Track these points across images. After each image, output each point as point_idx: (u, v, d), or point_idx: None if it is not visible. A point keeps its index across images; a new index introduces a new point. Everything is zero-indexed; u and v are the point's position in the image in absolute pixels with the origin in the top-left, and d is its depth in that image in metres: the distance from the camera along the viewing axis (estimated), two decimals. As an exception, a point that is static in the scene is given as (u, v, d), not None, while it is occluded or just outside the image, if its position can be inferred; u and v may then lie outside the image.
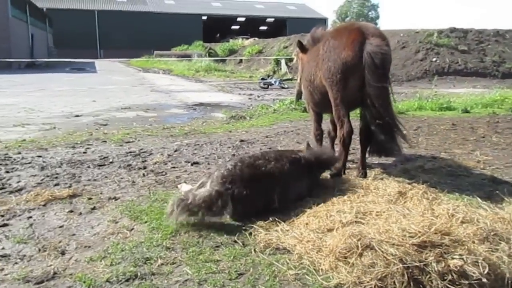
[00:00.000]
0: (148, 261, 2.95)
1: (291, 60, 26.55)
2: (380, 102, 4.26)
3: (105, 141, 7.35)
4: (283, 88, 18.58)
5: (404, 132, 4.61)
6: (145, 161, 5.98)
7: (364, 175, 4.87)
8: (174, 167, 5.66)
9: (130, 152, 6.52)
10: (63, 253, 3.13)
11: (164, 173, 5.33)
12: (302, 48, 5.77)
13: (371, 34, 4.36)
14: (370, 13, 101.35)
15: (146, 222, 3.66)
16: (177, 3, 75.27)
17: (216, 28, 75.56)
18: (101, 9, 67.44)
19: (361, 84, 4.37)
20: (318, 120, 5.69)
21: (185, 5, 74.53)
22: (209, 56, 37.47)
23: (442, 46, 23.91)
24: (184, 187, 4.27)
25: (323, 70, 4.63)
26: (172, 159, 6.09)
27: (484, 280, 2.43)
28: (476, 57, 23.95)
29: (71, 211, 3.99)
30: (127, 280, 2.72)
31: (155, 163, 5.85)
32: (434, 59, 22.99)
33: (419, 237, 2.70)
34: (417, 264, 2.53)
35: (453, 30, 25.67)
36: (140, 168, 5.57)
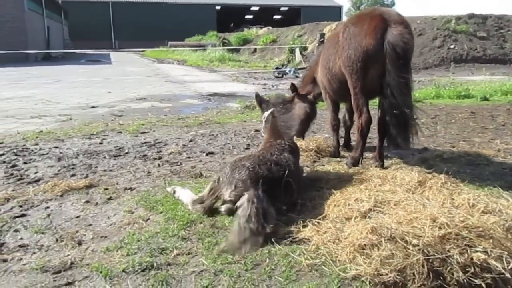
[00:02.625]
0: (164, 252, 2.95)
1: (305, 49, 26.35)
2: (399, 93, 4.13)
3: (120, 132, 7.38)
4: (297, 77, 18.39)
5: (419, 124, 4.50)
6: (160, 151, 5.99)
7: (382, 165, 4.78)
8: (189, 157, 5.65)
9: (145, 142, 6.53)
10: (80, 243, 3.14)
11: (179, 163, 5.33)
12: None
13: (394, 21, 4.21)
14: (385, 0, 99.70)
15: (161, 212, 3.66)
16: (190, -7, 75.10)
17: (230, 18, 75.29)
18: (115, 1, 67.64)
19: (382, 73, 4.25)
20: (335, 110, 5.60)
21: (199, -5, 74.38)
22: (223, 46, 37.34)
23: (460, 32, 23.43)
24: (181, 194, 3.92)
25: (343, 58, 4.50)
26: (187, 149, 6.08)
27: (508, 275, 2.36)
28: (496, 43, 23.43)
29: (88, 202, 4.01)
30: (143, 270, 2.71)
31: (170, 153, 5.85)
32: (452, 46, 22.54)
33: (445, 228, 2.63)
34: (439, 255, 2.46)
35: (471, 16, 25.12)
36: (155, 159, 5.58)
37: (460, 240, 2.50)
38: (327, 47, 5.21)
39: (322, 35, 10.05)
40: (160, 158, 5.62)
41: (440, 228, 2.57)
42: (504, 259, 2.41)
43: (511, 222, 2.97)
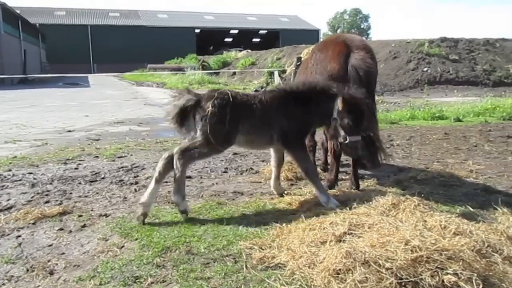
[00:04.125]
0: (138, 280, 2.90)
1: (284, 71, 26.68)
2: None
3: (97, 157, 7.30)
4: (276, 99, 18.58)
5: (385, 145, 4.68)
6: (137, 176, 5.94)
7: (357, 187, 4.85)
8: (166, 182, 5.59)
9: (122, 167, 6.47)
10: (51, 273, 3.07)
11: (156, 188, 5.28)
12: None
13: (356, 47, 4.43)
14: (362, 24, 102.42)
15: (136, 239, 3.61)
16: (170, 17, 75.69)
17: (209, 41, 75.92)
18: (94, 24, 67.62)
19: None
20: (311, 132, 5.69)
21: (178, 18, 74.98)
22: (203, 68, 37.56)
23: (433, 55, 24.12)
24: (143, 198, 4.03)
25: None
26: (165, 174, 6.03)
27: (478, 297, 2.41)
28: (467, 66, 24.16)
29: (61, 229, 3.93)
30: (116, 300, 2.66)
31: (148, 178, 5.80)
32: (425, 69, 23.17)
33: (417, 251, 2.67)
34: (411, 278, 2.50)
35: (443, 39, 25.94)
36: (132, 184, 5.53)
37: (432, 263, 2.54)
38: (299, 72, 5.35)
39: (299, 59, 10.18)
40: (137, 183, 5.57)
41: (412, 251, 2.61)
42: (473, 281, 2.45)
43: (481, 244, 3.05)
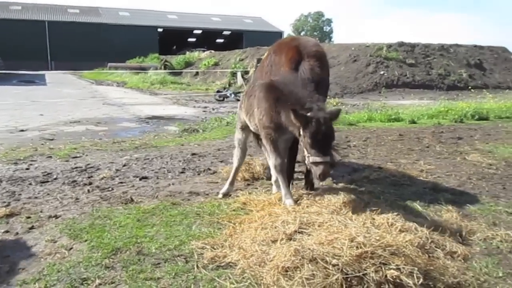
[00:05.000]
0: (85, 282, 2.84)
1: (247, 72, 26.76)
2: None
3: (50, 157, 7.07)
4: (238, 100, 18.60)
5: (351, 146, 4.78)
6: (91, 176, 5.80)
7: (312, 186, 4.93)
8: (121, 183, 5.52)
9: (76, 167, 6.30)
10: (-7, 277, 2.95)
11: (110, 189, 5.18)
12: None
13: (307, 54, 4.48)
14: (325, 27, 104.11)
15: (86, 240, 3.53)
16: (132, 15, 74.32)
17: (173, 41, 75.12)
18: (52, 20, 65.43)
19: None
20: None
21: (140, 17, 73.71)
22: (165, 68, 37.09)
23: (391, 59, 24.86)
24: None
25: None
26: (120, 174, 5.94)
27: (419, 290, 2.51)
28: (423, 70, 25.06)
29: (7, 231, 3.79)
30: (61, 303, 2.59)
31: (102, 178, 5.68)
32: (382, 72, 23.83)
33: (361, 247, 2.75)
34: (356, 274, 2.57)
35: (401, 44, 26.78)
36: (85, 184, 5.40)
37: (376, 259, 2.63)
38: (257, 71, 5.42)
39: (259, 60, 10.30)
40: (90, 183, 5.44)
41: (357, 247, 2.69)
42: (414, 275, 2.55)
43: (425, 240, 3.18)
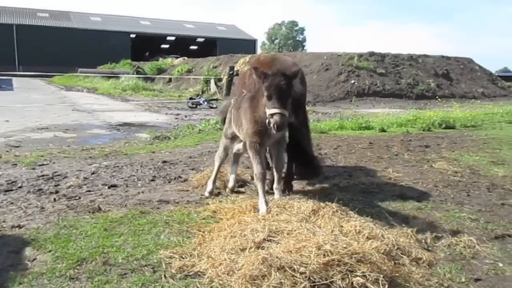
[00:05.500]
0: (48, 294, 2.76)
1: (220, 80, 26.76)
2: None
3: (15, 164, 6.87)
4: (211, 107, 18.60)
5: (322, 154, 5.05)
6: (58, 185, 5.66)
7: (290, 188, 5.06)
8: (89, 191, 5.41)
9: (43, 175, 6.14)
10: (-50, 291, 2.83)
11: (77, 197, 5.07)
12: None
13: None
14: (298, 36, 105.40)
15: (50, 251, 3.43)
16: (104, 20, 73.37)
17: (145, 47, 74.44)
18: (20, 24, 63.83)
19: None
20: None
21: (112, 22, 72.82)
22: (137, 74, 36.68)
23: (362, 68, 25.37)
24: None
25: None
26: (88, 182, 5.82)
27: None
28: (393, 79, 25.66)
29: (-34, 243, 3.65)
30: (22, 316, 2.51)
31: (69, 187, 5.55)
32: (353, 81, 24.27)
33: (328, 255, 2.78)
34: (323, 281, 2.59)
35: (371, 54, 27.37)
36: (51, 193, 5.25)
37: (342, 266, 2.66)
38: (238, 84, 5.66)
39: (231, 68, 10.37)
40: (57, 192, 5.30)
41: (324, 255, 2.72)
42: (380, 282, 2.60)
43: (392, 247, 3.23)
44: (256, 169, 4.37)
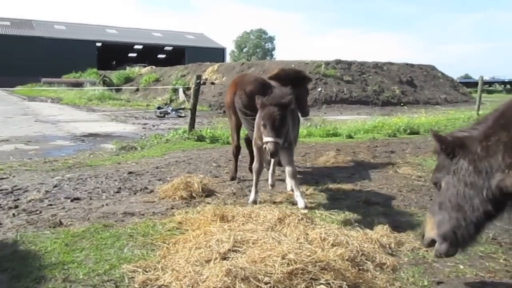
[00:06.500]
0: (3, 315, 2.64)
1: (188, 88, 26.60)
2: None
3: (-28, 179, 6.58)
4: (180, 116, 18.45)
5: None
6: (18, 199, 5.45)
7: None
8: (51, 205, 5.23)
9: (1, 190, 5.90)
10: None
11: (38, 212, 4.89)
12: None
13: (240, 88, 5.91)
14: (266, 44, 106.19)
15: (6, 269, 3.28)
16: (69, 29, 71.90)
17: (112, 55, 73.34)
18: (-21, 32, 61.80)
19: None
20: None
21: (77, 31, 71.42)
22: (104, 84, 36.03)
23: (329, 76, 25.78)
24: None
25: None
26: (50, 196, 5.63)
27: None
28: (359, 86, 26.18)
29: None
30: None
31: (30, 201, 5.36)
32: (320, 89, 24.62)
33: (292, 264, 2.77)
34: (288, 291, 2.58)
35: (338, 62, 27.87)
36: (10, 208, 5.05)
37: (306, 274, 2.66)
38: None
39: (198, 77, 10.29)
40: (16, 207, 5.09)
41: (288, 264, 2.71)
42: (343, 289, 2.61)
43: (356, 253, 3.27)
44: (255, 164, 5.13)
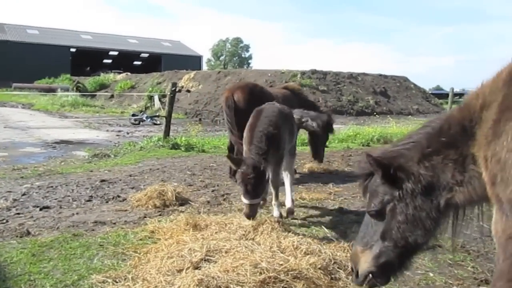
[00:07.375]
0: (-36, 329, 2.53)
1: (164, 96, 26.40)
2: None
3: None
4: (155, 124, 18.27)
5: None
6: (-16, 208, 5.27)
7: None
8: (18, 214, 5.08)
9: (-34, 198, 5.70)
10: None
11: (4, 221, 4.75)
12: None
13: (233, 92, 6.81)
14: (243, 53, 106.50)
15: (-32, 281, 3.17)
16: (42, 33, 70.34)
17: (87, 61, 72.05)
18: None
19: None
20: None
21: (51, 35, 69.94)
22: (77, 90, 35.39)
23: (305, 86, 25.96)
24: None
25: None
26: (18, 204, 5.47)
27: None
28: (334, 96, 26.50)
29: None
30: None
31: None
32: (298, 98, 24.78)
33: (265, 273, 2.76)
34: (260, 300, 2.57)
35: (314, 71, 28.17)
36: (-25, 217, 4.88)
37: (278, 283, 2.66)
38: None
39: (174, 84, 10.23)
40: (-18, 216, 4.93)
41: (260, 273, 2.70)
42: (315, 298, 2.61)
43: (329, 261, 3.28)
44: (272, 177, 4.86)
